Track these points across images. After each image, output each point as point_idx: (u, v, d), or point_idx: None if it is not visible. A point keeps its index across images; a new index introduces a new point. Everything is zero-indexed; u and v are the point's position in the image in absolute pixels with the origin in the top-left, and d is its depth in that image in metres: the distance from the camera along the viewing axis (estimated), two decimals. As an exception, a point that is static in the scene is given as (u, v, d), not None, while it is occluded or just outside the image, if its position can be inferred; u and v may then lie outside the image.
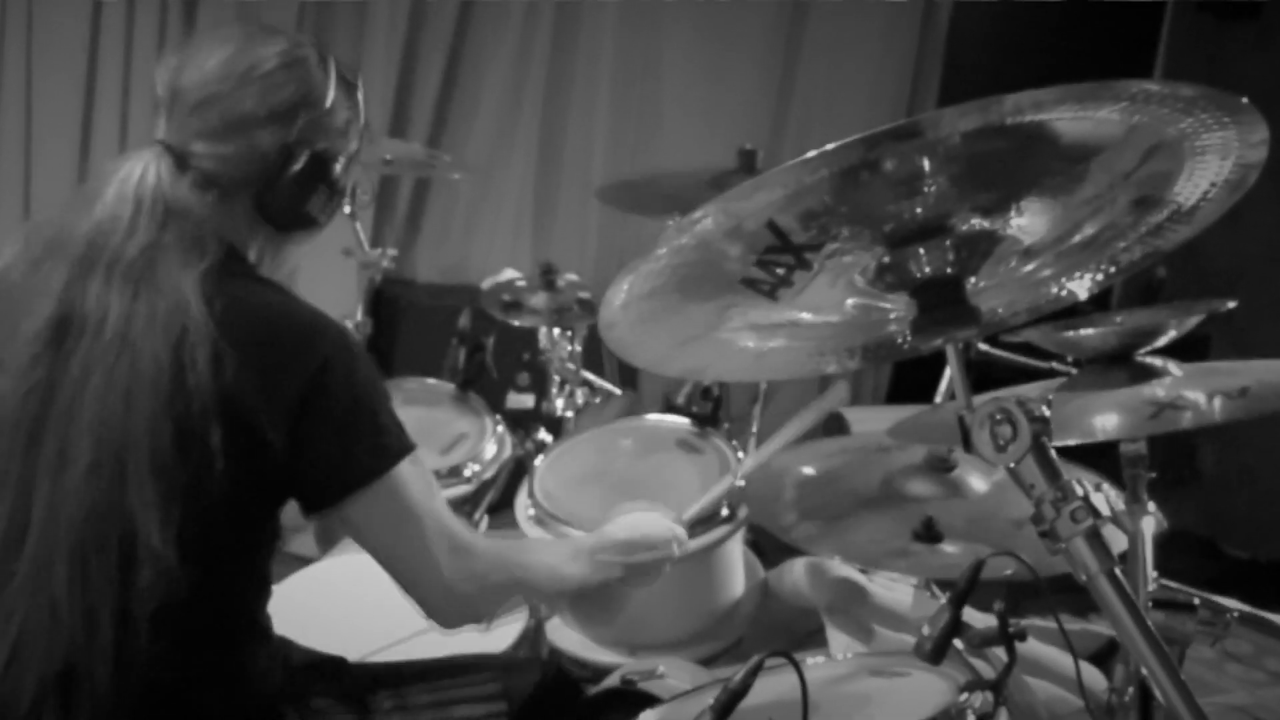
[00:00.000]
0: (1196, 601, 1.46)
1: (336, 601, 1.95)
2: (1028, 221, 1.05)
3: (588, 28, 4.03)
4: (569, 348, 2.81)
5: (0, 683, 1.27)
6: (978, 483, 1.67)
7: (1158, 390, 1.39)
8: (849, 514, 1.61)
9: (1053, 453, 1.00)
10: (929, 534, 1.52)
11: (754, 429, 2.94)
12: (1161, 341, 1.47)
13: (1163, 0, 4.10)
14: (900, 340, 1.21)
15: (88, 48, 3.53)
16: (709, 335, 1.17)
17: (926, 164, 0.95)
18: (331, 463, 1.35)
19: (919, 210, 1.00)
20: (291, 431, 1.31)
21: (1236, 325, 1.94)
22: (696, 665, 1.93)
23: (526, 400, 3.29)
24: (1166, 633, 1.44)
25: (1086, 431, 1.37)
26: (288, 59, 1.41)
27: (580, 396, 2.82)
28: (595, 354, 2.97)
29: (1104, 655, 1.98)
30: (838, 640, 2.03)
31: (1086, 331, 1.48)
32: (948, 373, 2.32)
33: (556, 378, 2.84)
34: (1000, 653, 1.22)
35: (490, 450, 2.53)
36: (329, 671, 1.54)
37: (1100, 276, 1.18)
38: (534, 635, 1.99)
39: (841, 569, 2.10)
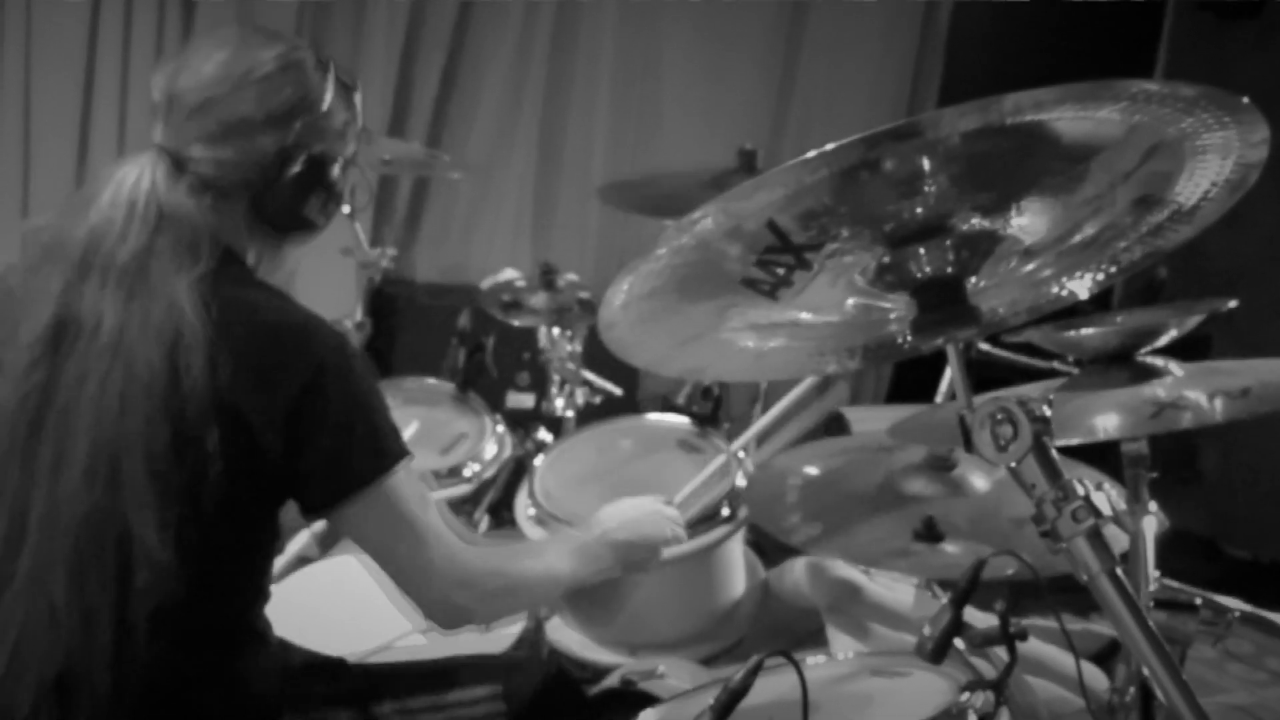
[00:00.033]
0: (1198, 601, 1.45)
1: (336, 602, 1.95)
2: (1028, 221, 1.05)
3: (587, 27, 4.03)
4: (569, 348, 2.81)
5: (-1, 685, 1.27)
6: (979, 482, 1.67)
7: (1159, 390, 1.38)
8: (850, 514, 1.61)
9: (1054, 452, 1.00)
10: (930, 534, 1.52)
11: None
12: (1162, 341, 1.47)
13: (1163, 0, 4.11)
14: (900, 340, 1.20)
15: (86, 48, 3.53)
16: (709, 335, 1.17)
17: (927, 164, 0.95)
18: (328, 466, 1.35)
19: (919, 210, 1.00)
20: (288, 434, 1.32)
21: (1237, 325, 1.94)
22: (697, 665, 1.93)
23: (526, 400, 3.29)
24: (1168, 632, 1.44)
25: (1087, 431, 1.37)
26: (285, 62, 1.41)
27: (580, 396, 2.82)
28: (595, 354, 2.97)
29: (1105, 655, 1.98)
30: (839, 640, 2.03)
31: (1087, 331, 1.48)
32: (948, 373, 2.31)
33: (556, 377, 2.83)
34: (1001, 652, 1.22)
35: (490, 450, 2.53)
36: (328, 673, 1.54)
37: (1101, 276, 1.18)
38: (534, 635, 1.99)
39: (841, 569, 2.09)
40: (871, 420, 2.76)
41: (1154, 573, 1.44)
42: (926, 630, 1.23)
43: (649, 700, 1.63)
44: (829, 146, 0.90)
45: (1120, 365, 1.46)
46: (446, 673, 1.57)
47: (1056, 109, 0.91)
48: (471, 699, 1.54)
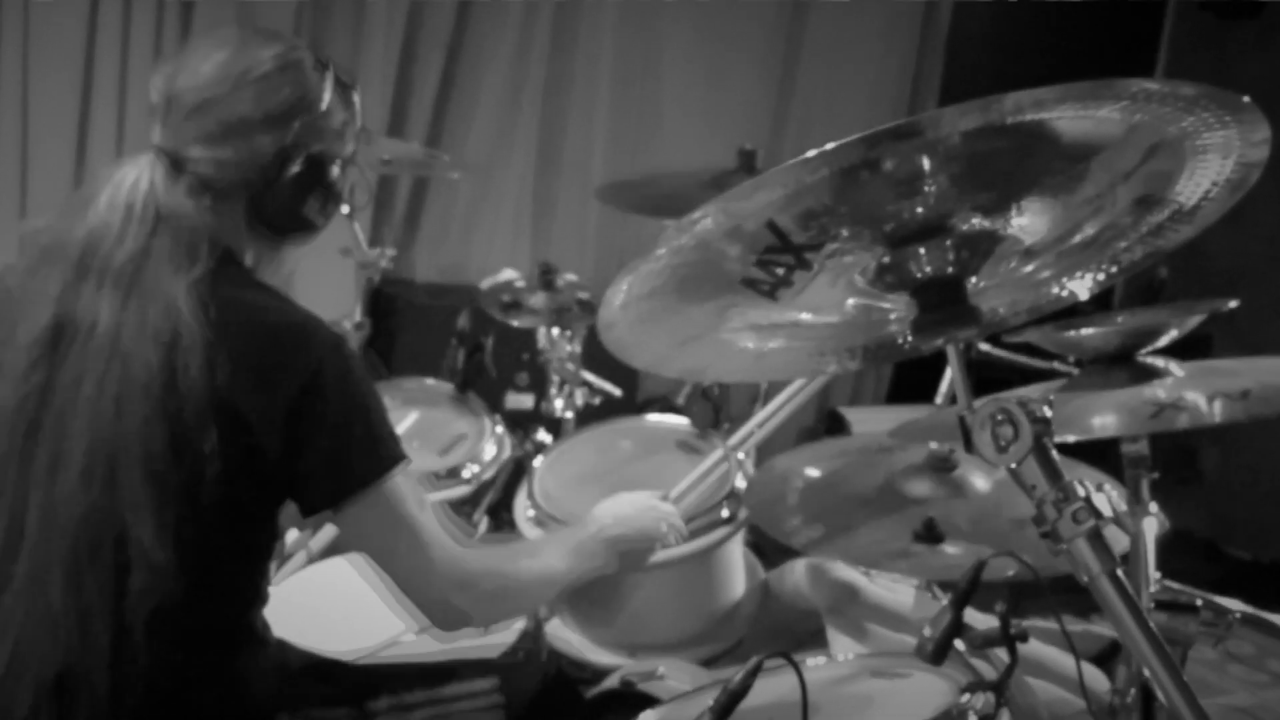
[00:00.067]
0: (1199, 602, 1.45)
1: (335, 602, 1.95)
2: (1028, 221, 1.05)
3: (587, 27, 4.03)
4: (568, 348, 2.81)
5: (-2, 686, 1.26)
6: (979, 482, 1.67)
7: (1159, 391, 1.38)
8: (850, 516, 1.61)
9: (1054, 453, 1.00)
10: (930, 535, 1.52)
11: (754, 429, 2.94)
12: (1163, 342, 1.47)
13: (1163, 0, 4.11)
14: (901, 340, 1.20)
15: (84, 48, 3.52)
16: (709, 335, 1.16)
17: (927, 163, 0.94)
18: (326, 467, 1.35)
19: (919, 210, 1.00)
20: (286, 436, 1.31)
21: (1238, 325, 1.94)
22: (697, 666, 1.93)
23: (525, 401, 3.28)
24: (1169, 634, 1.44)
25: (1086, 432, 1.37)
26: (283, 62, 1.41)
27: (579, 397, 2.81)
28: (595, 354, 2.96)
29: (1106, 656, 1.98)
30: (839, 641, 2.02)
31: (1087, 332, 1.47)
32: (948, 373, 2.31)
33: (556, 378, 2.83)
34: (1002, 654, 1.22)
35: (489, 451, 2.53)
36: (327, 674, 1.54)
37: (1101, 276, 1.17)
38: (533, 636, 1.98)
39: (842, 570, 2.09)
40: (872, 421, 2.76)
41: (1155, 574, 1.44)
42: (927, 631, 1.23)
43: (649, 701, 1.63)
44: (829, 146, 0.89)
45: (1121, 366, 1.45)
46: (445, 673, 1.57)
47: (1057, 108, 0.91)
48: (469, 692, 1.54)
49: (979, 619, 1.24)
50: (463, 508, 2.45)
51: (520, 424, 2.76)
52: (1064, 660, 1.85)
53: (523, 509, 2.16)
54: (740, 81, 4.16)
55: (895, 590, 2.06)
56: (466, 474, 2.45)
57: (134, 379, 1.27)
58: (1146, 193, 1.06)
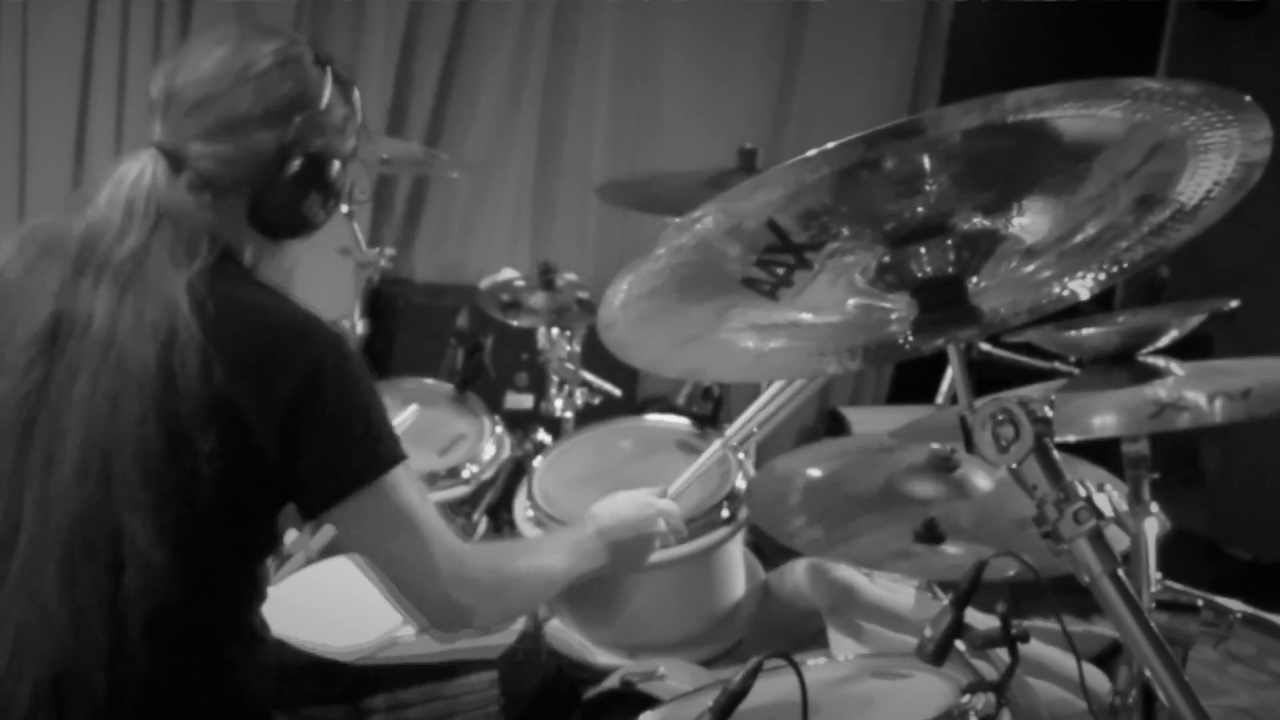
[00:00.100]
0: (1200, 603, 1.45)
1: (334, 602, 1.95)
2: (1029, 221, 1.05)
3: (587, 26, 4.03)
4: (568, 348, 2.80)
5: (-3, 686, 1.26)
6: (981, 482, 1.67)
7: (1160, 391, 1.38)
8: (851, 516, 1.61)
9: (1055, 453, 1.00)
10: (931, 535, 1.52)
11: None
12: (1164, 341, 1.47)
13: (1165, -1, 4.11)
14: (901, 340, 1.20)
15: (83, 46, 3.52)
16: (709, 335, 1.16)
17: (927, 162, 0.94)
18: (325, 466, 1.34)
19: (920, 209, 1.00)
20: (284, 434, 1.31)
21: (1240, 325, 1.94)
22: (697, 667, 1.92)
23: (525, 401, 3.28)
24: (1169, 634, 1.44)
25: (1087, 431, 1.36)
26: (283, 58, 1.41)
27: (579, 397, 2.81)
28: (595, 354, 2.96)
29: (1107, 657, 1.98)
30: (839, 642, 2.02)
31: (1088, 331, 1.47)
32: (949, 373, 2.31)
33: (555, 378, 2.83)
34: (1003, 654, 1.22)
35: (489, 451, 2.52)
36: (325, 674, 1.53)
37: (1102, 276, 1.17)
38: (533, 636, 1.98)
39: (842, 570, 2.09)
40: (872, 421, 2.76)
41: (1155, 574, 1.44)
42: (928, 632, 1.23)
43: (649, 702, 1.63)
44: (829, 145, 0.89)
45: (1121, 366, 1.45)
46: (445, 673, 1.57)
47: (1058, 107, 0.91)
48: (466, 688, 1.53)
49: (980, 619, 1.24)
50: (462, 508, 2.45)
51: (520, 424, 2.76)
52: (1065, 661, 1.85)
53: (522, 509, 2.16)
54: (740, 81, 4.17)
55: (896, 590, 2.06)
56: (466, 474, 2.45)
57: (130, 375, 1.27)
58: (1148, 192, 1.06)
